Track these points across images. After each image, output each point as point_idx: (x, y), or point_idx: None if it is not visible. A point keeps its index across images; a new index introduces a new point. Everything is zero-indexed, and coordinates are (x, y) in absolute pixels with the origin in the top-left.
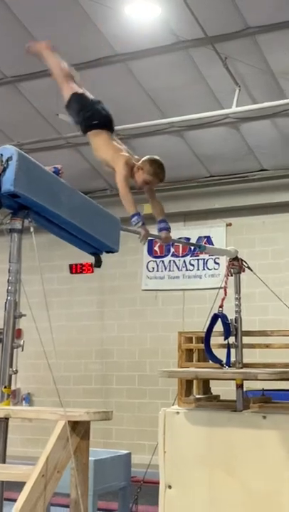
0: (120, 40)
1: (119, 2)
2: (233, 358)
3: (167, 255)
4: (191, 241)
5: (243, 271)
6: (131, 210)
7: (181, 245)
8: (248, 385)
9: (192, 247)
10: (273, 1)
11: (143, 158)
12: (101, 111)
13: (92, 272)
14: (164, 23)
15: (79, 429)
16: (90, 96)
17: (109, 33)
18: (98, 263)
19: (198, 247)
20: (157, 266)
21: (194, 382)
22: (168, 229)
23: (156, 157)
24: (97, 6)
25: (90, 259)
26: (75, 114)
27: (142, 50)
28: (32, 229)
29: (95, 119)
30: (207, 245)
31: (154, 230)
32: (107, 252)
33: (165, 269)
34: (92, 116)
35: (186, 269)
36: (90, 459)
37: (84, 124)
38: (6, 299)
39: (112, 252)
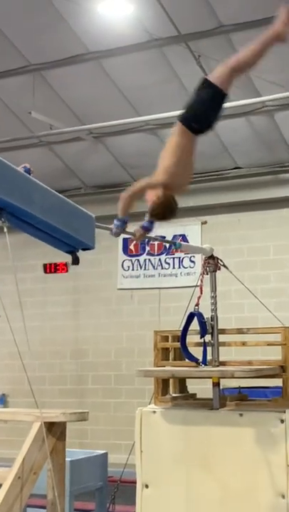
0: (93, 38)
1: (92, 0)
2: (209, 357)
3: (142, 254)
4: (166, 239)
5: (219, 269)
6: (120, 213)
7: (156, 244)
8: (225, 383)
9: (168, 246)
10: None
11: (167, 193)
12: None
13: (67, 271)
14: (137, 21)
15: (55, 430)
16: None
17: (82, 31)
18: (76, 261)
19: (174, 245)
20: (133, 265)
21: (171, 381)
22: (148, 229)
23: (174, 207)
24: (70, 4)
25: (65, 258)
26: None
27: (115, 48)
28: (5, 229)
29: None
30: (182, 243)
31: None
32: (83, 249)
33: (140, 267)
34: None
35: (162, 268)
36: (66, 459)
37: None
38: None
39: (88, 249)
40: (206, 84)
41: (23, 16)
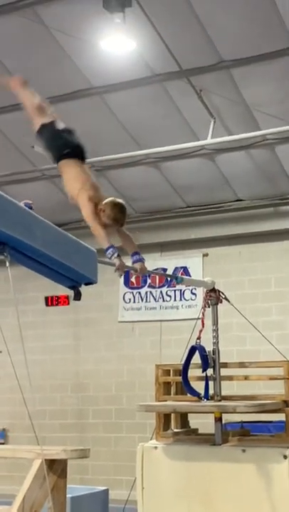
0: (96, 73)
1: (95, 36)
2: (211, 391)
3: (144, 286)
4: (168, 271)
5: (221, 302)
6: (104, 244)
7: (157, 276)
8: (227, 418)
9: (169, 278)
10: (246, 35)
11: (106, 200)
12: (72, 140)
13: (68, 304)
14: (139, 57)
15: (56, 468)
16: (61, 125)
17: (85, 66)
18: (78, 296)
19: (176, 279)
20: (134, 297)
21: (172, 415)
22: (142, 260)
23: (118, 201)
24: (73, 40)
25: (66, 291)
26: (46, 144)
27: (117, 83)
28: (8, 263)
29: (66, 148)
30: (184, 277)
31: (129, 262)
32: (86, 284)
33: (142, 300)
34: (63, 146)
35: (163, 300)
36: (66, 496)
37: (55, 153)
38: None
39: (91, 284)
40: (42, 129)
41: (26, 51)
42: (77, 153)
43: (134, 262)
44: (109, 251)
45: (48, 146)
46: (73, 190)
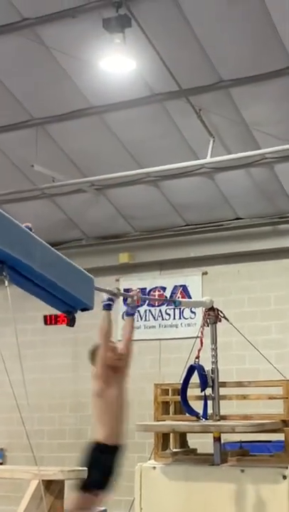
0: (95, 93)
1: (95, 56)
2: (210, 410)
3: (143, 304)
4: (167, 290)
5: (220, 321)
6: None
7: (156, 294)
8: (226, 437)
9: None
10: (245, 55)
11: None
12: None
13: (67, 322)
14: (139, 77)
15: (53, 488)
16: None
17: (85, 86)
18: (72, 322)
19: (174, 303)
20: None
21: (171, 435)
22: (132, 314)
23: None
24: (73, 60)
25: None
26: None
27: (117, 102)
28: (7, 282)
29: (97, 487)
30: (183, 300)
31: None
32: (82, 310)
33: (141, 318)
34: (96, 483)
35: (162, 319)
36: None
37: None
38: None
39: (87, 310)
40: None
41: (26, 71)
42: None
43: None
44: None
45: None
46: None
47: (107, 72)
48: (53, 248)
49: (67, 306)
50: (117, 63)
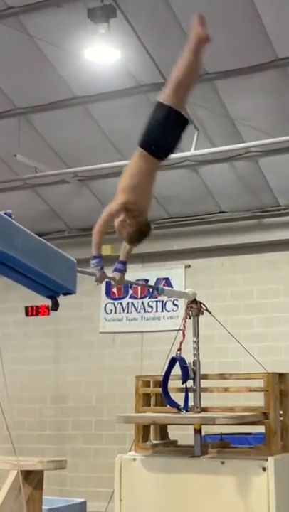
0: (80, 83)
1: (79, 46)
2: (191, 402)
3: (125, 297)
4: (150, 283)
5: (202, 313)
6: (93, 251)
7: (139, 287)
8: (207, 430)
9: (150, 289)
10: (231, 47)
11: (141, 220)
12: (169, 144)
13: (48, 314)
14: (124, 67)
15: (32, 479)
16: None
17: (69, 76)
18: (55, 306)
19: (157, 290)
20: (115, 308)
21: (152, 427)
22: (122, 271)
23: (150, 229)
24: (57, 50)
25: (47, 301)
26: (149, 121)
27: (101, 93)
28: None
29: (155, 146)
30: (165, 288)
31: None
32: (65, 294)
33: (123, 311)
34: (155, 140)
35: (145, 311)
36: (43, 508)
37: (144, 137)
38: None
39: (70, 294)
40: (158, 106)
41: (10, 60)
42: (160, 155)
43: (114, 270)
44: (95, 261)
45: (148, 124)
46: (121, 182)
47: (91, 62)
48: (33, 234)
49: (49, 291)
50: (101, 53)
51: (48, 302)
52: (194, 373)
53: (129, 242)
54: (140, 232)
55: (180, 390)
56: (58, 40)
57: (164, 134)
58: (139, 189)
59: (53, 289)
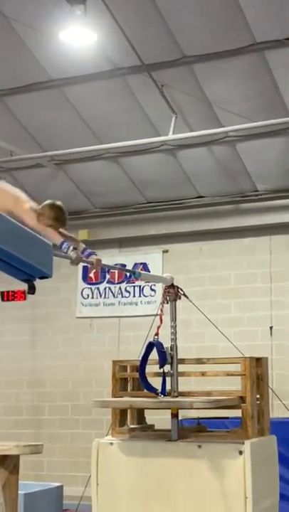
0: (55, 65)
1: (55, 27)
2: (168, 387)
3: (102, 282)
4: (127, 267)
5: (179, 298)
6: (58, 240)
7: (116, 272)
8: (184, 414)
9: (128, 274)
10: (209, 31)
11: (43, 204)
12: None
13: (25, 299)
14: (101, 50)
15: (8, 464)
16: None
17: (44, 58)
18: (32, 290)
19: (133, 274)
20: (92, 293)
21: (129, 411)
22: (95, 253)
23: (57, 202)
24: (32, 31)
25: (23, 286)
26: None
27: (77, 76)
28: None
29: None
30: (142, 272)
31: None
32: (41, 278)
33: (100, 296)
34: None
35: (122, 296)
36: (20, 492)
37: None
38: None
39: (46, 278)
40: None
41: None
42: None
43: (88, 256)
44: (65, 245)
45: None
46: (7, 203)
47: (67, 45)
48: (8, 217)
49: (25, 275)
50: (77, 35)
51: (25, 287)
52: (172, 358)
53: (58, 222)
54: (56, 208)
55: (157, 374)
56: (34, 21)
57: None
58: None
59: (29, 273)
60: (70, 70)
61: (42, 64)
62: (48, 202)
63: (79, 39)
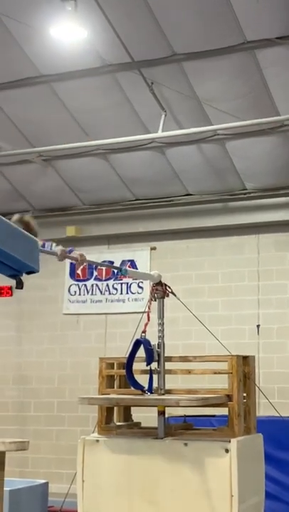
0: (45, 61)
1: (45, 23)
2: (155, 384)
3: (90, 279)
4: (115, 264)
5: (167, 296)
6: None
7: (104, 269)
8: (171, 412)
9: (116, 271)
10: (199, 29)
11: (12, 219)
12: None
13: (11, 295)
14: (91, 46)
15: None
16: None
17: (34, 53)
18: (20, 285)
19: (120, 271)
20: (79, 289)
21: (115, 409)
22: (73, 249)
23: (24, 217)
24: (22, 26)
25: (9, 282)
26: None
27: (67, 72)
28: None
29: None
30: (130, 269)
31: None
32: (28, 273)
33: (87, 292)
34: None
35: (109, 293)
36: (4, 489)
37: None
38: None
39: (33, 273)
40: None
41: None
42: None
43: (69, 253)
44: (46, 244)
45: None
46: None
47: (57, 40)
48: None
49: (12, 270)
50: (68, 31)
51: (11, 282)
52: (159, 355)
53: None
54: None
55: (144, 372)
56: (24, 16)
57: None
58: None
59: (15, 268)
60: (59, 66)
61: (32, 59)
62: (15, 217)
63: (69, 35)
